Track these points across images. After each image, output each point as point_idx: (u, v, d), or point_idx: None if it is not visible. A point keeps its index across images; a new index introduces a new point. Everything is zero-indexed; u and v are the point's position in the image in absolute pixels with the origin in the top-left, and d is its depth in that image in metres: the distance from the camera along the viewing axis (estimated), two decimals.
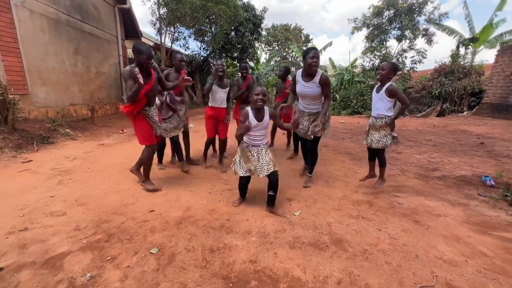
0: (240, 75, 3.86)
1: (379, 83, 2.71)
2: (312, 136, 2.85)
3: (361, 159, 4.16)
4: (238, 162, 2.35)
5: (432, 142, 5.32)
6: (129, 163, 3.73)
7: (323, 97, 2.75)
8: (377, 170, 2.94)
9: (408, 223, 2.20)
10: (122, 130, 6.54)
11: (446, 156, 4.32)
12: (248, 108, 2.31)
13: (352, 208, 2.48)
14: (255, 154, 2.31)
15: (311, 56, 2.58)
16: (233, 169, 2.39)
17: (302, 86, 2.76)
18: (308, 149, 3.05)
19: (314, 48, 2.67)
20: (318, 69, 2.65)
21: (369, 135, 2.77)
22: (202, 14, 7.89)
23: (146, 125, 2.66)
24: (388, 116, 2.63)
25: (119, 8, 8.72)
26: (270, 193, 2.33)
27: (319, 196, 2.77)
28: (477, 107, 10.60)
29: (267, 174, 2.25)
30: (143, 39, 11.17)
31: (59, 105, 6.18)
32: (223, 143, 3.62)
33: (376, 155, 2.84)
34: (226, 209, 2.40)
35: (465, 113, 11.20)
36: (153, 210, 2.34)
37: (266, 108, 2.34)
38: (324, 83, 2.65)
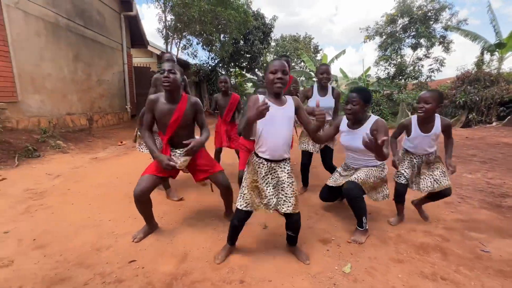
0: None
1: (420, 120, 2.08)
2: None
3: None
4: (243, 188, 1.60)
5: (478, 158, 4.49)
6: (120, 183, 3.08)
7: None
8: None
9: None
10: (121, 142, 5.96)
11: (505, 176, 3.50)
12: (260, 95, 1.54)
13: (420, 259, 1.71)
14: (269, 177, 1.53)
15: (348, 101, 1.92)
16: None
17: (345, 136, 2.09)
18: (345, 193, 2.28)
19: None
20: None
21: (423, 177, 2.16)
22: (211, 18, 7.42)
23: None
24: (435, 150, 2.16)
25: (125, 16, 8.42)
26: (289, 233, 1.69)
27: None
28: (508, 117, 9.65)
29: (284, 211, 1.55)
30: (149, 48, 10.87)
31: (55, 114, 5.68)
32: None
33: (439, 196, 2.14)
34: (237, 259, 1.68)
35: (494, 123, 10.25)
36: (134, 260, 1.64)
37: (290, 98, 1.57)
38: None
